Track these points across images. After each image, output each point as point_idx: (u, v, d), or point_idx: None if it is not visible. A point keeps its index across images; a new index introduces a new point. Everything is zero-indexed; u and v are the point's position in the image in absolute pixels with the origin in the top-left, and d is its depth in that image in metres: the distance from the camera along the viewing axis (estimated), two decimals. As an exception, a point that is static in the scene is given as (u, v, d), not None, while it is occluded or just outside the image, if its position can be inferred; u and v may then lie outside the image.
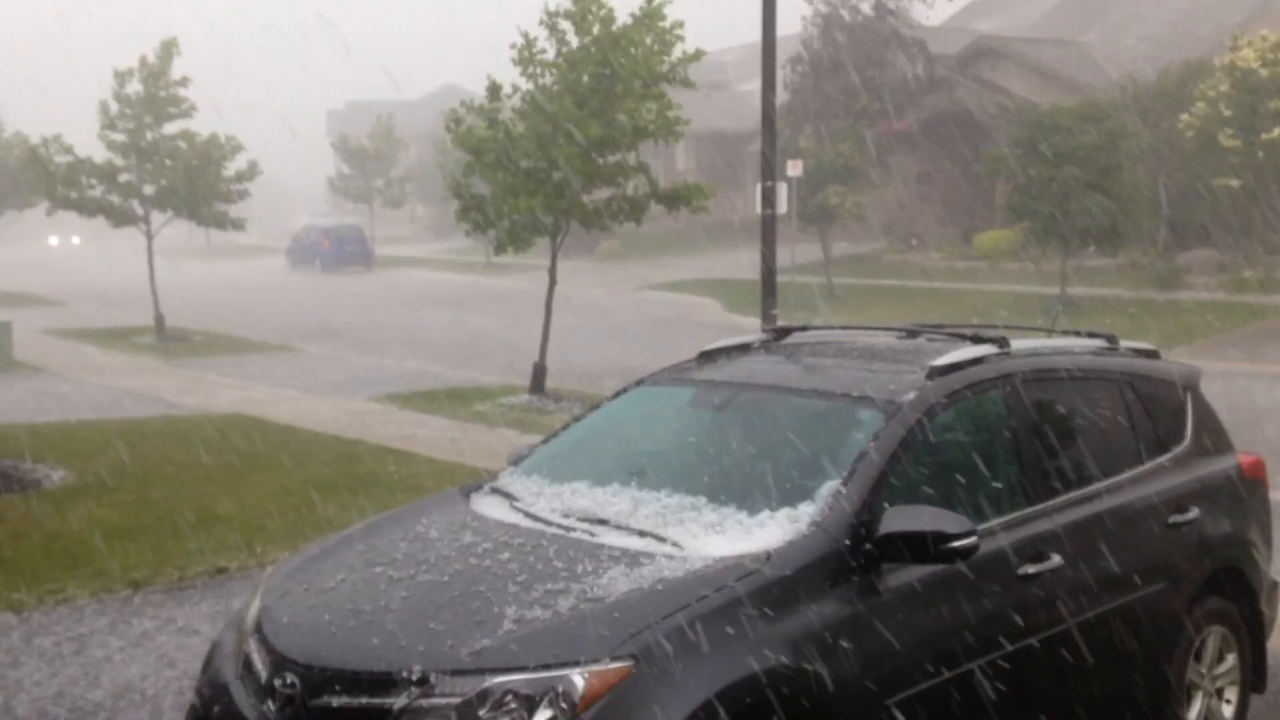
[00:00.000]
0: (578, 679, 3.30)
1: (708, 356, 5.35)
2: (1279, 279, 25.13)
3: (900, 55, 35.22)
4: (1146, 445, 5.13)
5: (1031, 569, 4.30)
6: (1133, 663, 4.66)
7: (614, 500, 4.33)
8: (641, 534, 4.04)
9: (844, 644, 3.67)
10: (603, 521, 4.18)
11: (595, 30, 13.96)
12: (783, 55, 13.42)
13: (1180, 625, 4.87)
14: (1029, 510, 4.46)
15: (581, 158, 13.81)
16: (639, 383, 5.34)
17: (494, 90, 14.58)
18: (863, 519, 3.91)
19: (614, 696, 3.29)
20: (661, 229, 40.15)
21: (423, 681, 3.37)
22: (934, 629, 3.92)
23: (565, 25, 14.22)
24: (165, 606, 6.85)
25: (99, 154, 22.53)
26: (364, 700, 3.44)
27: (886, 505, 3.96)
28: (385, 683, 3.41)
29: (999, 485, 4.52)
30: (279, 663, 3.67)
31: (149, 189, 22.67)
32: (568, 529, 4.18)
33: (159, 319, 22.62)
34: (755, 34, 13.32)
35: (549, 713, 3.28)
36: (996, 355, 4.74)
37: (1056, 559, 4.39)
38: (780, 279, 12.99)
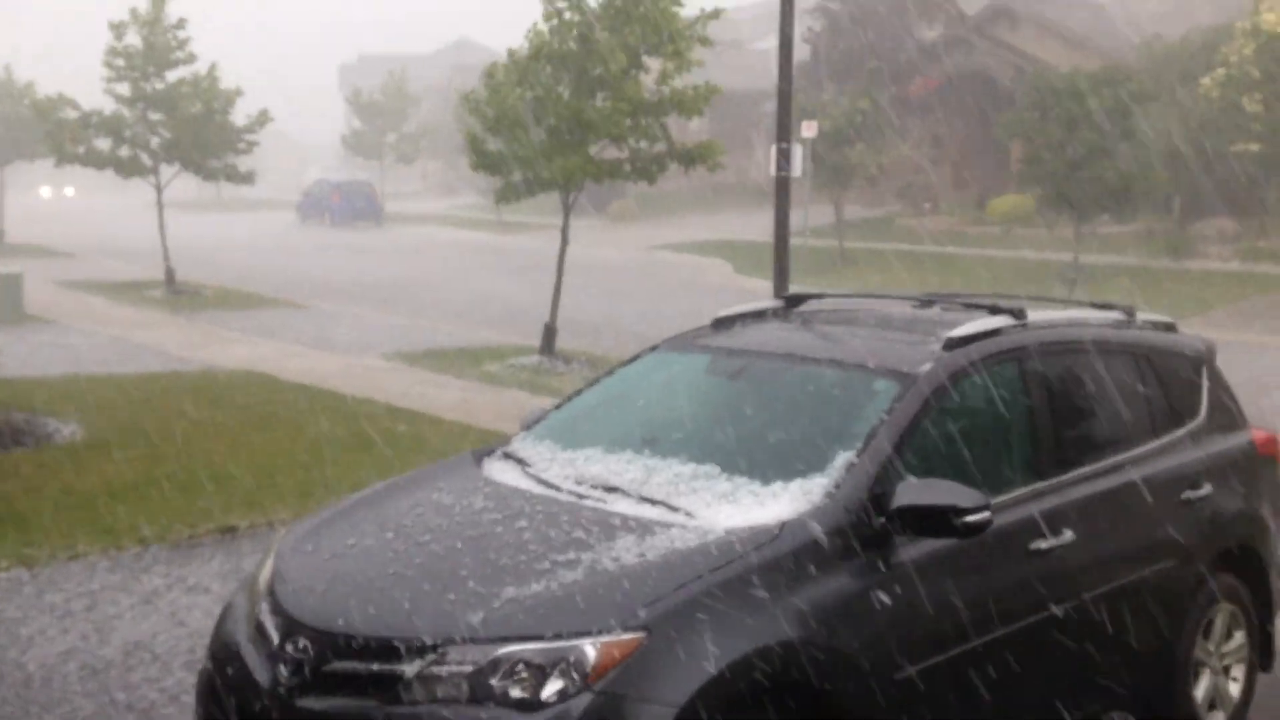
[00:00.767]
0: (589, 649, 3.30)
1: (722, 323, 5.31)
2: (1295, 249, 24.97)
3: (917, 15, 34.83)
4: (1161, 420, 5.09)
5: (1044, 544, 4.29)
6: (1142, 639, 4.65)
7: (627, 467, 4.32)
8: (654, 502, 4.03)
9: (856, 616, 3.67)
10: (615, 489, 4.16)
11: None
12: (801, 12, 13.25)
13: (1190, 602, 4.86)
14: (1043, 485, 4.43)
15: (617, 119, 13.72)
16: (653, 349, 5.30)
17: (537, 50, 14.33)
18: (876, 491, 3.89)
19: (625, 667, 3.29)
20: (673, 188, 39.84)
21: (434, 649, 3.37)
22: (946, 603, 3.91)
23: None
24: (175, 564, 6.88)
25: (109, 106, 22.44)
26: (375, 666, 3.44)
27: (901, 478, 3.94)
28: (397, 650, 3.41)
29: (1014, 459, 4.50)
30: (291, 627, 3.68)
31: (156, 141, 22.57)
32: (580, 496, 4.17)
33: (169, 273, 22.61)
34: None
35: (560, 683, 3.28)
36: (1013, 327, 4.69)
37: (1069, 534, 4.37)
38: (792, 241, 12.89)
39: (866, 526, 3.83)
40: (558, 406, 5.25)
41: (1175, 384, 5.25)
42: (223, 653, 3.99)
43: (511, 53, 14.63)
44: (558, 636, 3.33)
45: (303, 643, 3.60)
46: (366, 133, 52.00)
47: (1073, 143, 22.58)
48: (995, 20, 36.26)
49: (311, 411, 11.00)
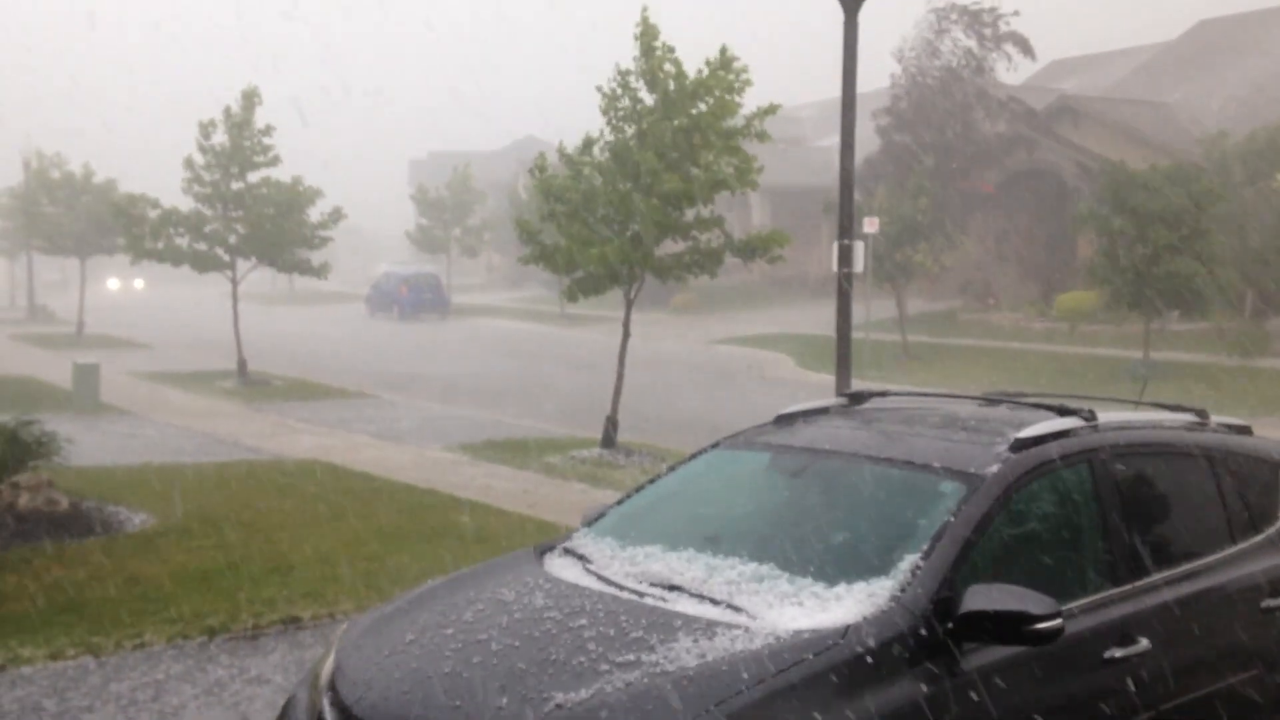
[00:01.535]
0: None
1: (784, 420, 5.30)
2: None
3: (981, 113, 35.05)
4: (1238, 526, 4.96)
5: (1119, 652, 4.17)
6: (1224, 753, 4.48)
7: (688, 566, 4.29)
8: (715, 602, 3.99)
9: (923, 726, 3.58)
10: (677, 588, 4.14)
11: (670, 86, 14.11)
12: (863, 110, 13.39)
13: (1271, 714, 4.68)
14: (1116, 591, 4.33)
15: (659, 211, 13.92)
16: (715, 445, 5.30)
17: (587, 143, 14.74)
18: (943, 595, 3.82)
19: (686, 773, 3.23)
20: (735, 282, 40.20)
21: (493, 749, 3.34)
22: (1016, 713, 3.80)
23: (638, 84, 14.40)
24: (239, 654, 6.92)
25: (184, 204, 23.22)
26: (433, 765, 3.42)
27: (968, 582, 3.87)
28: (456, 748, 3.39)
29: (1085, 564, 4.40)
30: (351, 723, 3.68)
31: (234, 237, 23.26)
32: (641, 594, 4.14)
33: (241, 364, 23.11)
34: (830, 90, 13.41)
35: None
36: (1083, 428, 4.63)
37: (1145, 643, 4.24)
38: (854, 335, 12.87)
39: (933, 632, 3.75)
40: (619, 502, 5.25)
41: (1252, 489, 5.12)
42: (284, 747, 3.99)
43: (561, 148, 14.98)
44: (614, 743, 3.29)
45: (362, 739, 3.59)
46: (431, 228, 53.18)
47: (1145, 239, 22.38)
48: (1059, 117, 36.35)
49: (376, 502, 11.10)
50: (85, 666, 6.64)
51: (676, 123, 13.93)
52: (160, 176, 24.75)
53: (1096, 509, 4.47)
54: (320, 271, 24.06)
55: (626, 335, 15.10)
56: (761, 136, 14.27)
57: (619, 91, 14.43)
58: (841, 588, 3.93)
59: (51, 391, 20.34)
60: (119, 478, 11.95)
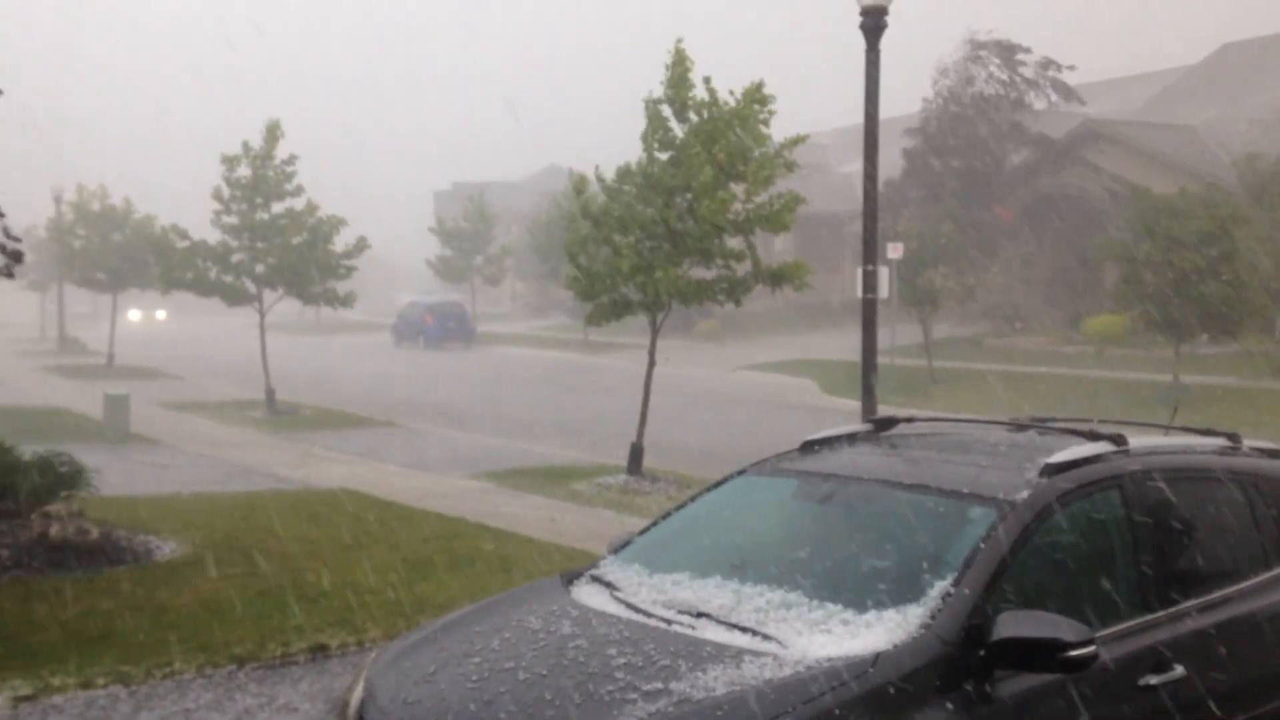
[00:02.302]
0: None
1: (810, 447, 5.28)
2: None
3: (1011, 145, 35.08)
4: (1273, 550, 4.90)
5: (1154, 679, 4.12)
6: (1263, 782, 4.40)
7: (716, 593, 4.27)
8: (744, 630, 3.97)
9: (955, 754, 3.54)
10: (705, 615, 4.12)
11: (705, 114, 14.17)
12: (886, 136, 13.41)
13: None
14: (1150, 617, 4.28)
15: (709, 237, 13.98)
16: (741, 472, 5.29)
17: (623, 173, 14.79)
18: (974, 623, 3.78)
19: (717, 802, 3.21)
20: (759, 308, 40.16)
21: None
22: (1051, 741, 3.75)
23: (668, 112, 14.46)
24: (267, 683, 6.93)
25: (212, 236, 23.49)
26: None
27: (999, 609, 3.83)
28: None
29: (1118, 590, 4.35)
30: (380, 752, 3.68)
31: (260, 268, 23.47)
32: (669, 622, 4.12)
33: (269, 394, 23.26)
34: (852, 117, 13.43)
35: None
36: (1114, 453, 4.59)
37: (1180, 670, 4.19)
38: (880, 360, 12.82)
39: (964, 659, 3.72)
40: (645, 530, 5.24)
41: (1286, 512, 5.05)
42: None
43: (598, 172, 15.05)
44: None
45: (392, 768, 3.58)
46: (452, 258, 53.49)
47: (1174, 263, 22.23)
48: (1085, 142, 36.24)
49: (404, 530, 11.11)
50: (116, 695, 6.66)
51: (717, 147, 13.96)
52: (193, 211, 25.03)
53: (1129, 534, 4.43)
54: (346, 301, 24.21)
55: (652, 362, 15.10)
56: (790, 167, 14.30)
57: (653, 123, 14.49)
58: (871, 615, 3.91)
59: (83, 422, 20.54)
60: (149, 507, 12.02)
